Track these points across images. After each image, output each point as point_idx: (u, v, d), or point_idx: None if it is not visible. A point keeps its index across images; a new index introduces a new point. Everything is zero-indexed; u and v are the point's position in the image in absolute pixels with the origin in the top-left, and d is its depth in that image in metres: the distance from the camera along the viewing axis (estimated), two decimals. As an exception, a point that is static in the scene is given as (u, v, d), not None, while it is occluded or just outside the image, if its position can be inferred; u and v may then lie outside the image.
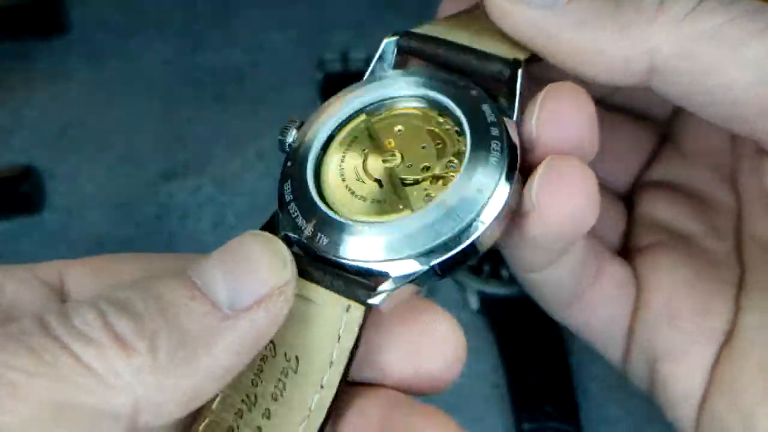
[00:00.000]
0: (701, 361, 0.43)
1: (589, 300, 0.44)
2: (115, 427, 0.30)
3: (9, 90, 0.68)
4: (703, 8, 0.36)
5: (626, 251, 0.47)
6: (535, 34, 0.37)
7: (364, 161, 0.36)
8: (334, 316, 0.34)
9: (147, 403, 0.30)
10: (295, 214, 0.35)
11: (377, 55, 0.39)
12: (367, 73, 0.39)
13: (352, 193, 0.36)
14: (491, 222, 0.33)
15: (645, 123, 0.49)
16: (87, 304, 0.31)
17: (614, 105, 0.48)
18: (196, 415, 0.35)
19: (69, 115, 0.67)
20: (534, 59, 0.38)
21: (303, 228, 0.35)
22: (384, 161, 0.36)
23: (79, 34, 0.71)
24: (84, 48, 0.70)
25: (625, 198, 0.49)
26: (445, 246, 0.33)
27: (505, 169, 0.34)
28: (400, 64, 0.39)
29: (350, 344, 0.33)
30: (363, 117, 0.38)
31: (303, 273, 0.34)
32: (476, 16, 0.40)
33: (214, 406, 0.35)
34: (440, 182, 0.35)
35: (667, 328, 0.44)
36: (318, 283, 0.34)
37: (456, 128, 0.36)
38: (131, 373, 0.30)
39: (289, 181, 0.36)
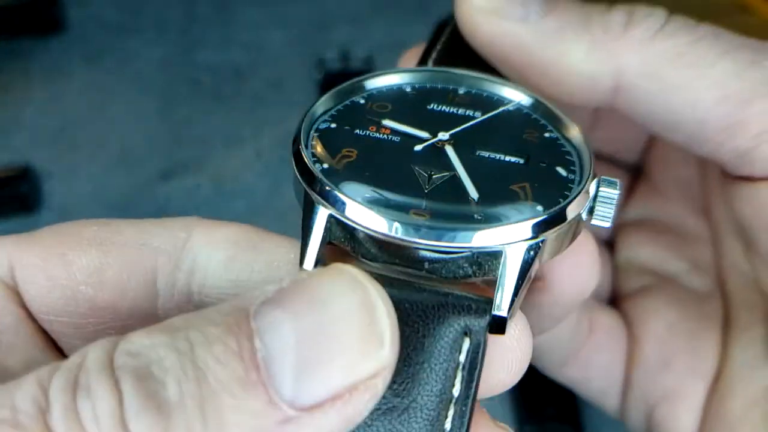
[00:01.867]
0: (694, 401, 0.43)
1: (586, 355, 0.44)
2: None
3: (6, 89, 0.68)
4: (669, 29, 0.37)
5: (613, 297, 0.47)
6: (506, 49, 0.38)
7: None
8: None
9: None
10: None
11: None
12: None
13: None
14: None
15: (617, 162, 0.49)
16: (103, 383, 0.23)
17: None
18: None
19: (67, 114, 0.67)
20: None
21: None
22: None
23: (77, 33, 0.71)
24: (82, 47, 0.70)
25: (607, 242, 0.49)
26: None
27: None
28: None
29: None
30: None
31: None
32: None
33: None
34: None
35: (661, 373, 0.44)
36: None
37: None
38: None
39: None
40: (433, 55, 0.40)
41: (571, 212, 0.32)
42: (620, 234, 0.48)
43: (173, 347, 0.23)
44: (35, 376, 0.24)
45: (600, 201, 0.33)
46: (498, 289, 0.30)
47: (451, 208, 0.31)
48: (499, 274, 0.30)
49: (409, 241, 0.30)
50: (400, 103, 0.36)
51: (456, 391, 0.29)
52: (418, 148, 0.34)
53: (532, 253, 0.31)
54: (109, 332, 0.32)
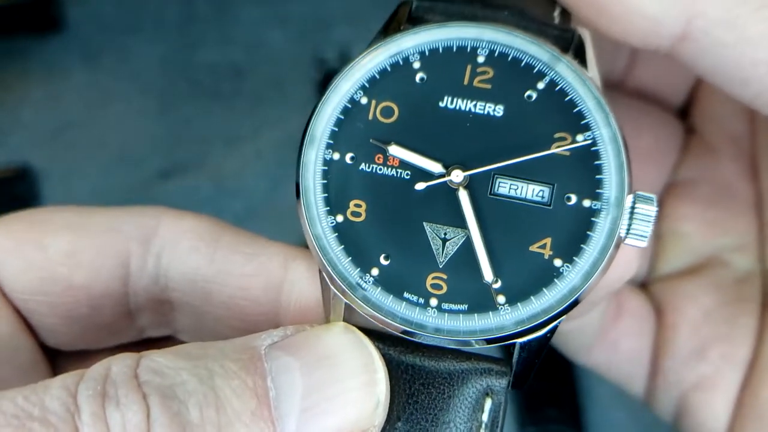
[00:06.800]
0: (729, 389, 0.42)
1: (612, 338, 0.44)
2: None
3: (4, 89, 0.67)
4: None
5: (648, 273, 0.46)
6: None
7: None
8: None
9: None
10: None
11: None
12: None
13: None
14: None
15: (670, 114, 0.46)
16: (132, 396, 0.25)
17: (629, 89, 0.46)
18: None
19: (65, 114, 0.67)
20: None
21: None
22: None
23: (76, 32, 0.70)
24: (80, 46, 0.69)
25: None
26: None
27: None
28: None
29: None
30: None
31: None
32: None
33: None
34: None
35: (695, 361, 0.43)
36: None
37: None
38: None
39: None
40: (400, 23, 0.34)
41: (589, 288, 0.30)
42: (669, 199, 0.45)
43: (194, 373, 0.25)
44: (61, 381, 0.26)
45: (637, 218, 0.30)
46: (516, 365, 0.30)
47: (467, 291, 0.31)
48: (515, 354, 0.30)
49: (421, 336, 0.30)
50: (407, 105, 0.32)
51: None
52: (425, 186, 0.31)
53: (549, 334, 0.31)
54: (82, 311, 0.34)
